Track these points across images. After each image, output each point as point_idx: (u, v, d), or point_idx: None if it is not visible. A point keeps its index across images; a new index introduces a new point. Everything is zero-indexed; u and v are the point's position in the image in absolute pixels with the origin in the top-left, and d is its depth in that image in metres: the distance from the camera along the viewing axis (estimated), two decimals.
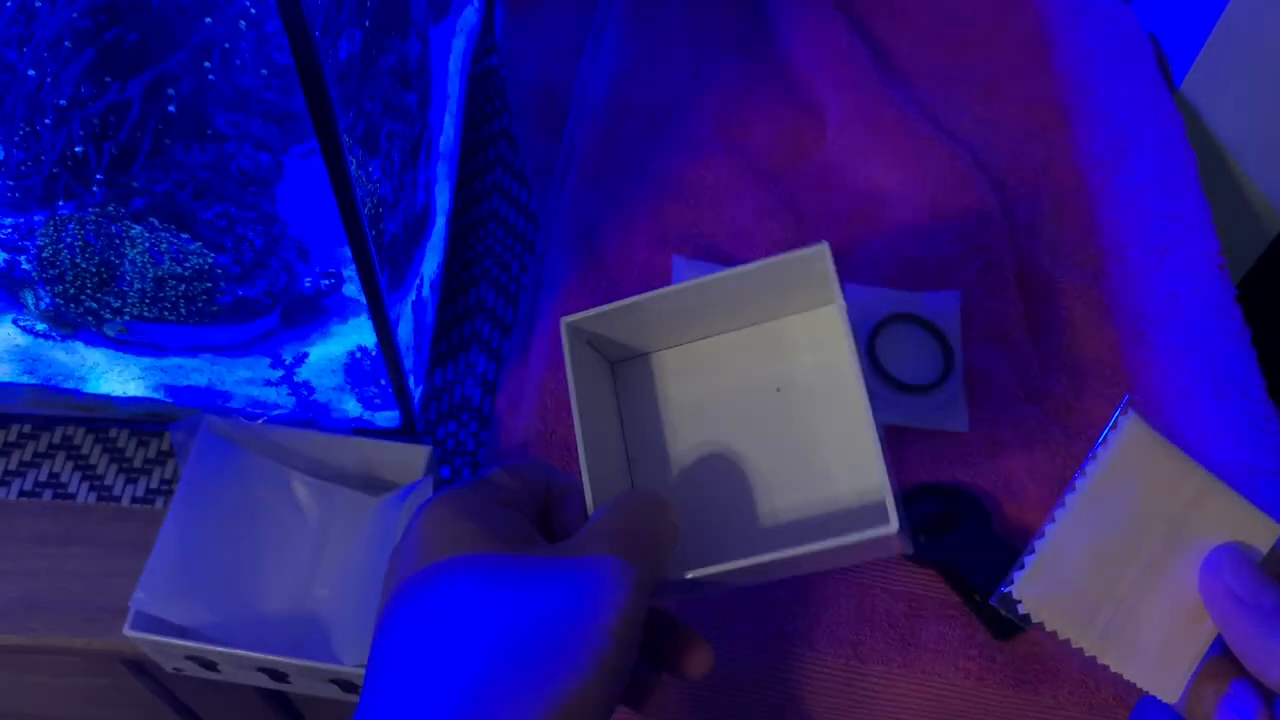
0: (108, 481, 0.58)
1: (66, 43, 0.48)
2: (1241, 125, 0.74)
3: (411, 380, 0.56)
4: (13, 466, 0.59)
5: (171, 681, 0.71)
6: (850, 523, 0.40)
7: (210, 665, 0.50)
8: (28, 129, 0.50)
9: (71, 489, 0.58)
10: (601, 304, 0.62)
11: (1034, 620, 0.37)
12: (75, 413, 0.58)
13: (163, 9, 0.48)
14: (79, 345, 0.56)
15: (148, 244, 0.53)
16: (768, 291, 0.44)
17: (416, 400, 0.57)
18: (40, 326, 0.56)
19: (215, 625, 0.49)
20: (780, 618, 0.52)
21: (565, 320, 0.43)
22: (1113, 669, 0.36)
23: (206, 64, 0.50)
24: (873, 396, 0.40)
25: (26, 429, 0.60)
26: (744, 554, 0.38)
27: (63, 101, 0.49)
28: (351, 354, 0.58)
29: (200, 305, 0.54)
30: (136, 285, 0.53)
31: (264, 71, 0.51)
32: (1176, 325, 0.61)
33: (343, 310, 0.58)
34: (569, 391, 0.42)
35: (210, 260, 0.53)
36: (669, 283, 0.62)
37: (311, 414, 0.57)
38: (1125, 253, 0.65)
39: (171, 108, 0.51)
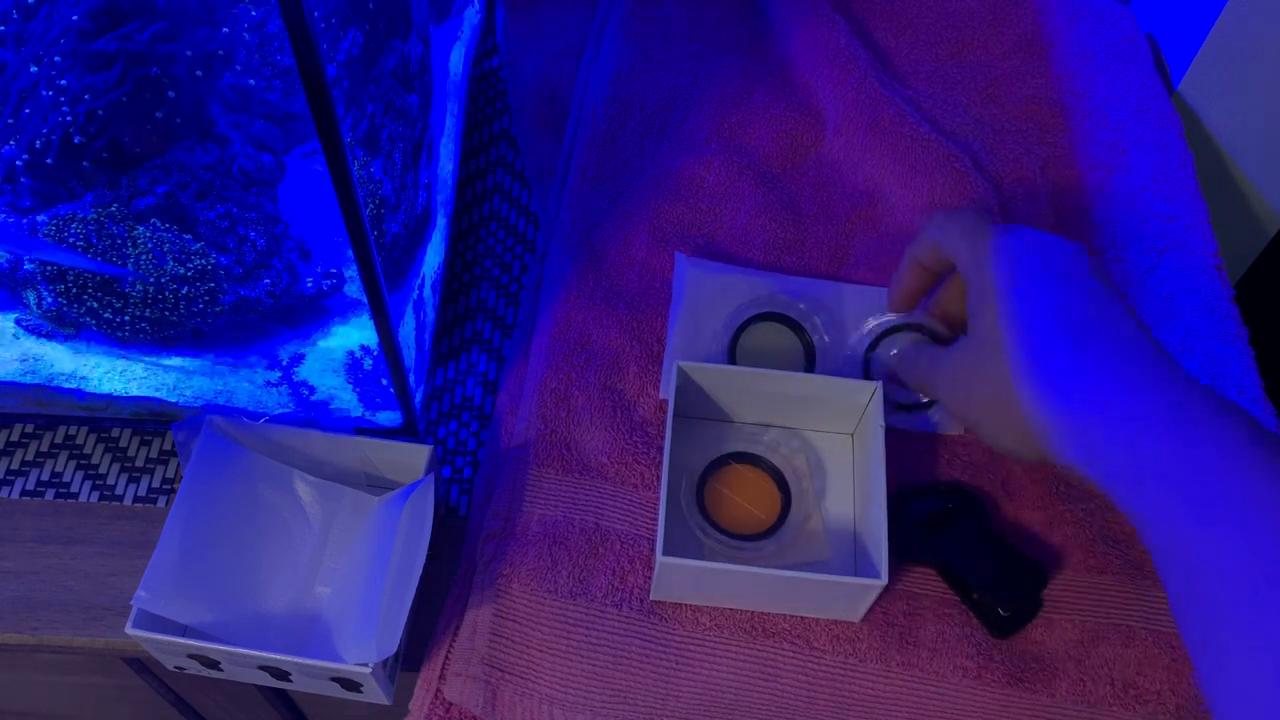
0: (110, 480, 0.59)
1: (67, 43, 0.48)
2: (1239, 126, 0.74)
3: (412, 380, 0.56)
4: (15, 466, 0.59)
5: (173, 680, 0.71)
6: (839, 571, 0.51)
7: (212, 664, 0.50)
8: (28, 127, 0.50)
9: (74, 488, 0.58)
10: (601, 304, 0.63)
11: None
12: (77, 412, 0.58)
13: (166, 9, 0.49)
14: (81, 345, 0.57)
15: (150, 244, 0.53)
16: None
17: (417, 400, 0.58)
18: (43, 326, 0.56)
19: (217, 624, 0.50)
20: (779, 616, 0.52)
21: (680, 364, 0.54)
22: None
23: (208, 66, 0.51)
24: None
25: (29, 428, 0.60)
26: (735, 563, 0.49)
27: (63, 100, 0.49)
28: (353, 354, 0.58)
29: (203, 305, 0.54)
30: (139, 285, 0.53)
31: (266, 73, 0.52)
32: (1174, 325, 0.61)
33: (344, 310, 0.58)
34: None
35: (213, 261, 0.54)
36: (669, 283, 0.62)
37: (313, 413, 0.57)
38: (1123, 253, 0.65)
39: (174, 110, 0.51)
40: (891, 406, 0.58)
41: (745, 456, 0.56)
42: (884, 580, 0.48)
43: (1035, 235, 0.48)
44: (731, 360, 0.59)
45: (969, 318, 0.49)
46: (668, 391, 0.57)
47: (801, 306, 0.60)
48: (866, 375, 0.59)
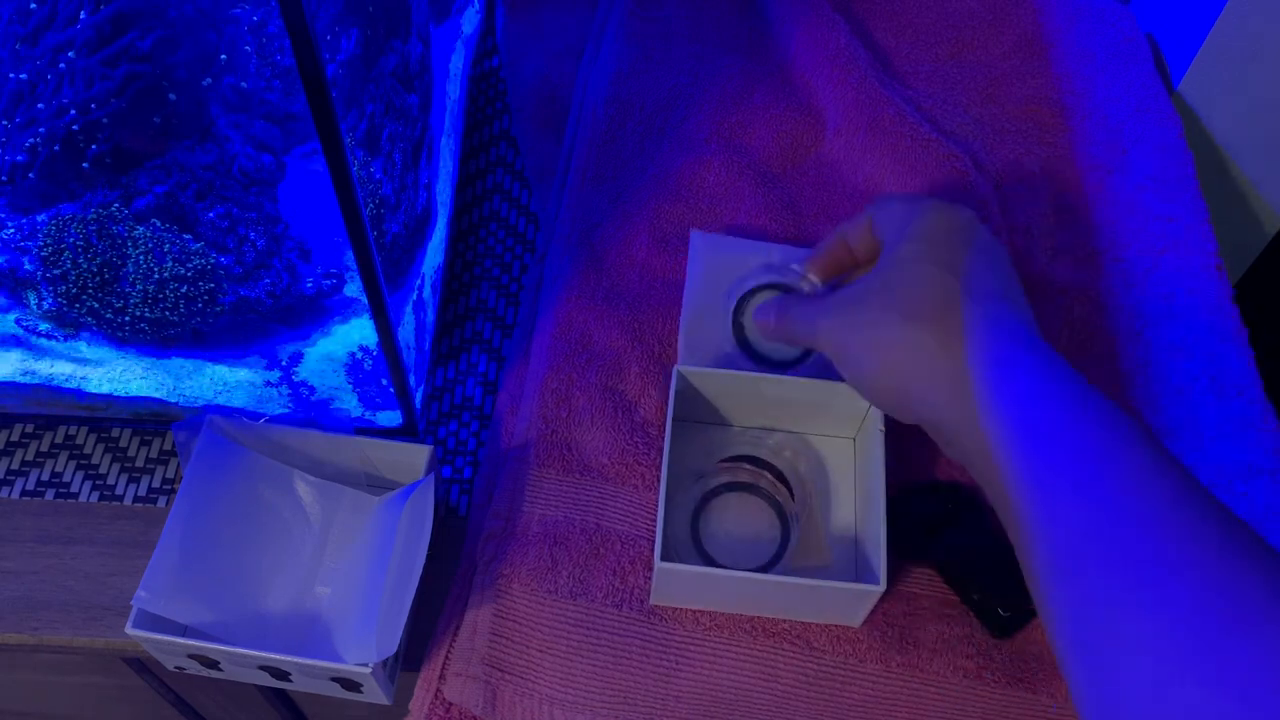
0: (110, 480, 0.59)
1: (69, 48, 0.49)
2: (1239, 126, 0.74)
3: (412, 380, 0.56)
4: (15, 466, 0.59)
5: (173, 680, 0.71)
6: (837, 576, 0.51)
7: (212, 664, 0.50)
8: (28, 128, 0.50)
9: (74, 488, 0.58)
10: (602, 305, 0.63)
11: None
12: (77, 412, 0.58)
13: (167, 12, 0.49)
14: (81, 345, 0.57)
15: (150, 245, 0.53)
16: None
17: (418, 400, 0.58)
18: (43, 326, 0.56)
19: (217, 624, 0.50)
20: (778, 617, 0.52)
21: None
22: None
23: (209, 70, 0.51)
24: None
25: (29, 428, 0.60)
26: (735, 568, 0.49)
27: (64, 102, 0.49)
28: (353, 354, 0.58)
29: (202, 305, 0.54)
30: (139, 286, 0.53)
31: (266, 73, 0.52)
32: (1174, 325, 0.62)
33: (344, 310, 0.58)
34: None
35: (213, 261, 0.54)
36: (670, 283, 0.62)
37: (313, 413, 0.57)
38: (1123, 253, 0.65)
39: (174, 112, 0.51)
40: (768, 365, 0.57)
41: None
42: (882, 586, 0.48)
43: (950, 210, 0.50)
44: (737, 331, 0.57)
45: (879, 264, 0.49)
46: (685, 363, 0.57)
47: (795, 267, 0.58)
48: (740, 338, 0.57)
